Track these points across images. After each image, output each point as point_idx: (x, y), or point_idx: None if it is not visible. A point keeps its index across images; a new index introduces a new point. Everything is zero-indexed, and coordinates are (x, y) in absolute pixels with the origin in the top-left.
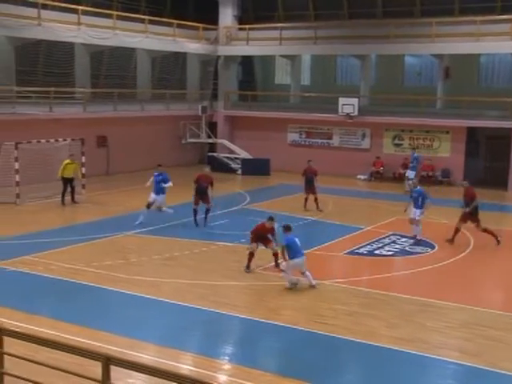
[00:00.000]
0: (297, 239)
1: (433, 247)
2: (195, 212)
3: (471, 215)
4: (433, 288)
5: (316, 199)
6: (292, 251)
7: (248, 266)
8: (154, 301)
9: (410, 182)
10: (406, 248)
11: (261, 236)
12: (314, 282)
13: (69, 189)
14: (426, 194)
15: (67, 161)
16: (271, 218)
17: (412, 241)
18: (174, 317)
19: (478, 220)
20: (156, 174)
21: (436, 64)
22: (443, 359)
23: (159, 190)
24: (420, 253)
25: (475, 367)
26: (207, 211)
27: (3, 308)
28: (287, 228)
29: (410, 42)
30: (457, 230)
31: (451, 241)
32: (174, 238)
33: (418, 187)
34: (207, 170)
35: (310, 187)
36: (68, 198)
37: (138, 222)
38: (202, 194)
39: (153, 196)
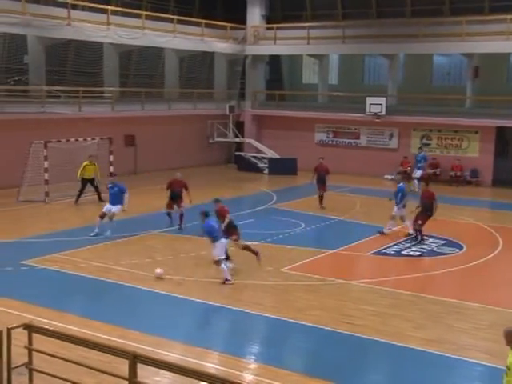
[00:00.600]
0: (214, 223)
1: (461, 248)
2: (170, 215)
3: (422, 213)
4: (461, 289)
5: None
6: (213, 236)
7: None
8: (181, 299)
9: (416, 181)
10: (434, 249)
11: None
12: (229, 277)
13: (90, 188)
14: (405, 191)
15: (86, 162)
16: (216, 200)
17: (442, 242)
18: (200, 316)
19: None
20: (110, 185)
21: (465, 63)
22: (471, 361)
23: (115, 201)
24: (448, 253)
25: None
26: (181, 215)
27: (33, 305)
28: (205, 214)
29: (439, 41)
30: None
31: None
32: (200, 237)
33: (401, 183)
34: (179, 174)
35: (322, 185)
36: (91, 197)
37: (93, 233)
38: (176, 199)
39: (108, 207)
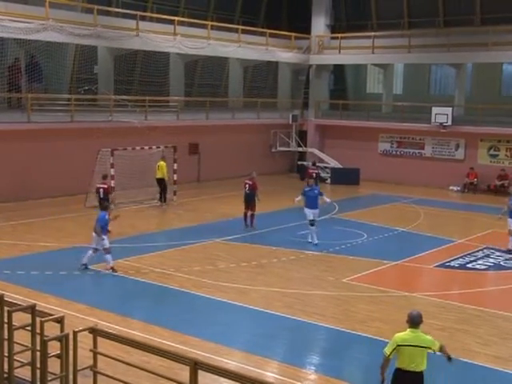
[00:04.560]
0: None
1: None
2: None
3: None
4: None
5: None
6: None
7: None
8: (242, 307)
9: None
10: (501, 262)
11: None
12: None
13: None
14: None
15: (160, 162)
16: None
17: (509, 256)
18: (260, 324)
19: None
20: (308, 189)
21: None
22: None
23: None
24: None
25: None
26: None
27: (97, 309)
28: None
29: (509, 49)
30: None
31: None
32: (262, 245)
33: None
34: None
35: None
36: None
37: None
38: None
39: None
